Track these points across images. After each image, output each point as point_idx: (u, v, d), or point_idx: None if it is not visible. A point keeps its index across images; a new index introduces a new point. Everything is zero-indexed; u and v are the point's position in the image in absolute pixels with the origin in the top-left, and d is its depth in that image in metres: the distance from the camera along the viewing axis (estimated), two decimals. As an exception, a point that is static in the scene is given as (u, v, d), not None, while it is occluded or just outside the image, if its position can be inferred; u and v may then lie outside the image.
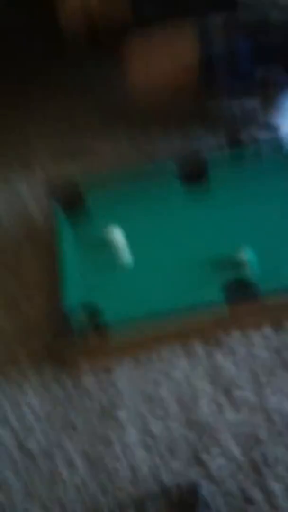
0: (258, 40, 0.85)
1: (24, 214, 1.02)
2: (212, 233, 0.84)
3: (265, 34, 0.85)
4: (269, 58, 0.87)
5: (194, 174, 0.92)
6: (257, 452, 0.68)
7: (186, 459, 0.69)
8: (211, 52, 0.86)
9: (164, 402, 0.74)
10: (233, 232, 0.84)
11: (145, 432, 0.72)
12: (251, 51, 0.85)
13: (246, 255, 0.79)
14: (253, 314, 0.77)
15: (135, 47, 0.96)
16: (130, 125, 1.12)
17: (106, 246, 0.85)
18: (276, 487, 0.66)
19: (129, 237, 0.85)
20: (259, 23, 0.85)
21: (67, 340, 0.74)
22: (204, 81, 0.93)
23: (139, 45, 0.97)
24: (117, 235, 0.84)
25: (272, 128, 1.01)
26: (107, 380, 0.77)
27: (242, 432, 0.71)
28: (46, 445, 0.72)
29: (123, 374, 0.77)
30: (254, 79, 0.90)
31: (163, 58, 0.91)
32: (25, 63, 1.31)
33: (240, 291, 0.75)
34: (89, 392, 0.76)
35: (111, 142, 1.09)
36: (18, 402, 0.77)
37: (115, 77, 1.23)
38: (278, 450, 0.68)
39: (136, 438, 0.71)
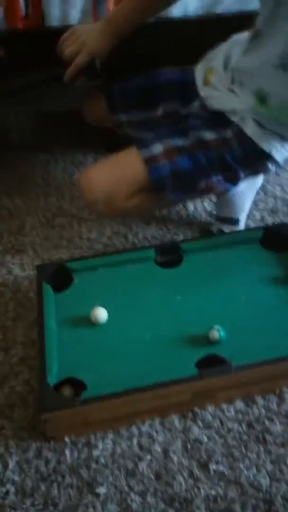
0: (198, 158, 0.97)
1: (15, 292, 1.09)
2: (186, 313, 0.92)
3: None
4: (210, 171, 0.99)
5: (171, 260, 1.02)
6: (233, 527, 0.71)
7: (164, 536, 0.70)
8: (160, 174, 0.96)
9: (143, 477, 0.77)
10: (206, 312, 0.92)
11: (124, 509, 0.74)
12: (193, 168, 0.97)
13: (218, 333, 0.86)
14: (225, 388, 0.83)
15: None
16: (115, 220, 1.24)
17: (90, 323, 0.92)
18: None
19: (111, 316, 0.92)
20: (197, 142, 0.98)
21: (51, 414, 0.78)
22: (158, 199, 1.03)
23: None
24: (100, 314, 0.91)
25: (231, 222, 1.16)
26: (89, 455, 0.80)
27: (218, 507, 0.73)
28: (27, 524, 0.73)
29: (104, 449, 0.80)
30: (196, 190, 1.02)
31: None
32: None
33: (213, 366, 0.82)
34: (71, 467, 0.78)
35: (98, 232, 1.21)
36: (1, 479, 0.78)
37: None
38: (253, 525, 0.71)
39: (116, 515, 0.73)
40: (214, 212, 1.23)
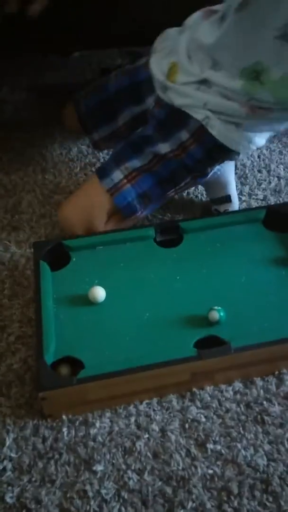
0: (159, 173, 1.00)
1: (12, 270, 1.07)
2: (186, 294, 0.91)
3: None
4: (175, 180, 1.01)
5: (170, 239, 1.00)
6: (229, 506, 0.71)
7: (161, 513, 0.71)
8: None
9: (140, 455, 0.77)
10: (206, 293, 0.91)
11: (121, 486, 0.74)
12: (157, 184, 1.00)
13: (218, 313, 0.85)
14: (224, 370, 0.83)
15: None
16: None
17: (88, 302, 0.91)
18: None
19: (109, 295, 0.91)
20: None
21: (48, 393, 0.77)
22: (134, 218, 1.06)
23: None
24: (99, 293, 0.90)
25: (223, 200, 1.14)
26: (87, 433, 0.80)
27: (214, 486, 0.74)
28: (24, 499, 0.73)
29: (102, 427, 0.80)
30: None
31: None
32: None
33: (212, 347, 0.81)
34: (68, 445, 0.78)
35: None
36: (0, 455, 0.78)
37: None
38: (250, 504, 0.71)
39: (112, 492, 0.73)
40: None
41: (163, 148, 0.97)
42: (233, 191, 1.15)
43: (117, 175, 0.99)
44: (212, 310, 0.86)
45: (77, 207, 1.02)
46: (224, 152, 0.98)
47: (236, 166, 1.28)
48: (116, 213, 1.03)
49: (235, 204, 1.15)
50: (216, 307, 0.86)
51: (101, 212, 1.01)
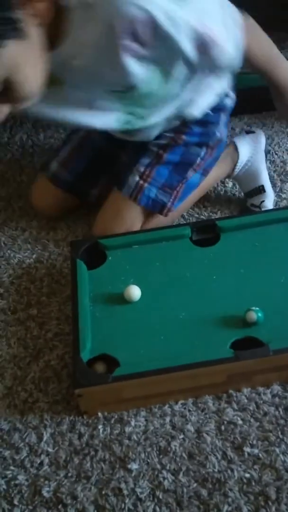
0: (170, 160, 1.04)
1: (50, 268, 1.09)
2: (223, 294, 0.89)
3: None
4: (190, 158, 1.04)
5: (207, 238, 0.99)
6: (267, 511, 0.69)
7: (196, 515, 0.70)
8: None
9: (176, 455, 0.76)
10: (243, 293, 0.89)
11: (156, 486, 0.74)
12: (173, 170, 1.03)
13: (256, 314, 0.83)
14: (262, 372, 0.81)
15: None
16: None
17: (123, 301, 0.91)
18: None
19: (144, 294, 0.91)
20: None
21: (84, 390, 0.78)
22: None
23: None
24: (134, 292, 0.90)
25: (257, 191, 1.13)
26: (122, 431, 0.80)
27: (252, 490, 0.72)
28: (60, 494, 0.74)
29: (137, 426, 0.80)
30: None
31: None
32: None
33: (250, 349, 0.79)
34: (104, 442, 0.79)
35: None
36: (36, 449, 0.80)
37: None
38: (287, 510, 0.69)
39: (147, 491, 0.73)
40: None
41: (163, 138, 1.01)
42: (266, 181, 1.13)
43: (133, 179, 1.01)
44: (249, 310, 0.84)
45: (112, 223, 1.04)
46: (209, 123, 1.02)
47: (275, 162, 1.25)
48: (149, 213, 1.04)
49: (270, 194, 1.12)
50: (254, 308, 0.84)
51: (138, 222, 1.04)
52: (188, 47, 0.74)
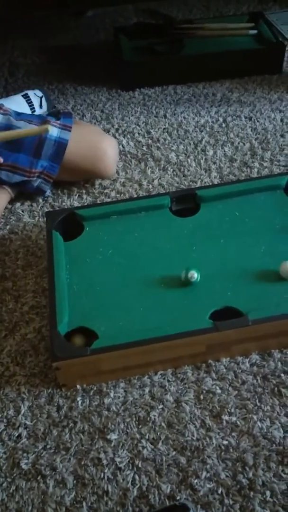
0: None
1: (25, 240, 1.06)
2: (203, 264, 0.88)
3: None
4: None
5: (186, 208, 0.97)
6: (244, 476, 0.71)
7: (175, 482, 0.71)
8: None
9: (155, 425, 0.77)
10: (223, 264, 0.88)
11: (135, 455, 0.74)
12: None
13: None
14: (241, 342, 0.81)
15: None
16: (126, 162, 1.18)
17: (101, 273, 0.89)
18: None
19: (123, 265, 0.89)
20: None
21: (62, 363, 0.77)
22: None
23: None
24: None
25: None
26: (101, 403, 0.79)
27: (229, 457, 0.73)
28: (39, 466, 0.74)
29: (116, 397, 0.80)
30: None
31: None
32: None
33: (230, 319, 0.79)
34: (83, 414, 0.79)
35: (111, 179, 1.15)
36: (14, 422, 0.79)
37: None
38: (265, 475, 0.71)
39: (126, 460, 0.74)
40: None
41: None
42: None
43: None
44: (229, 281, 0.82)
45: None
46: None
47: (257, 130, 1.22)
48: None
49: None
50: (233, 278, 0.83)
51: None
52: None
